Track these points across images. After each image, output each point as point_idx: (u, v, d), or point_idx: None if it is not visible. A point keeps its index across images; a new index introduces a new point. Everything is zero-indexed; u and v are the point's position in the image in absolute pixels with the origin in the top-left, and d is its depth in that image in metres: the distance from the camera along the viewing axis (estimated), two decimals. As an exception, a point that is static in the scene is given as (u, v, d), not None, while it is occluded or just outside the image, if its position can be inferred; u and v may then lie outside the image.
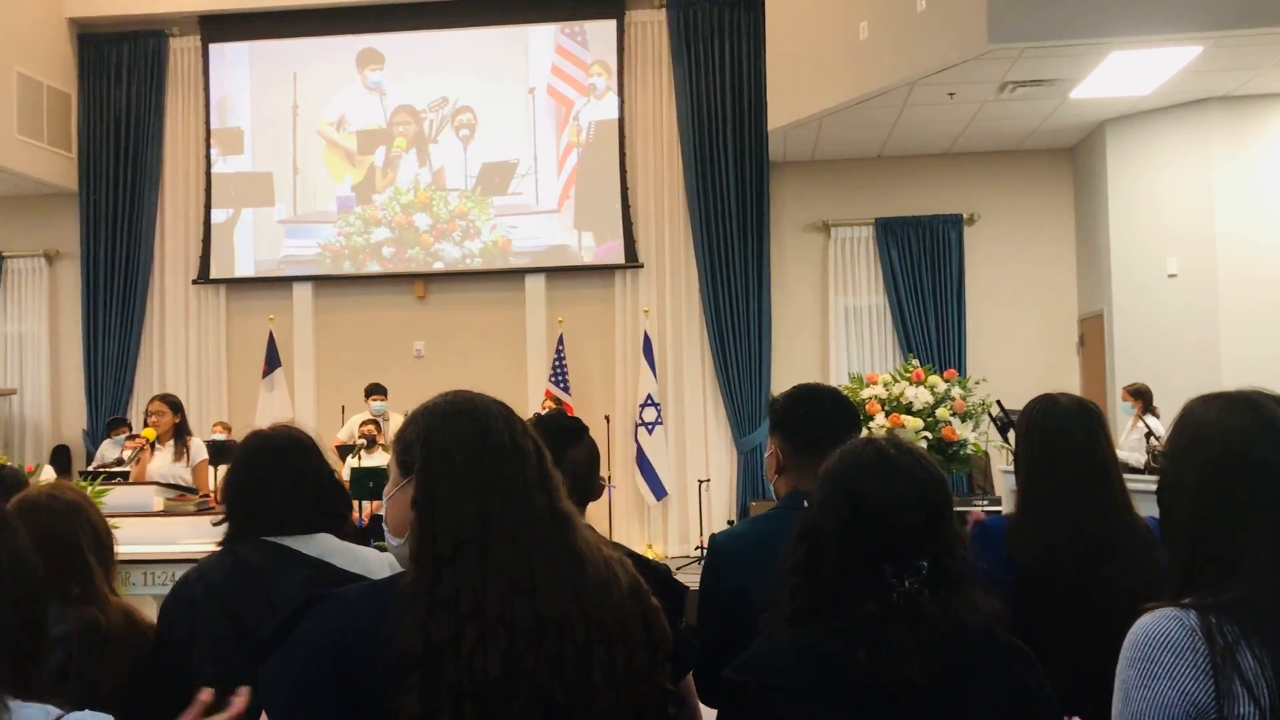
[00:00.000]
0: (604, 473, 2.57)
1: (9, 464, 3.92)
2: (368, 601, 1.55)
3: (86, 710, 1.41)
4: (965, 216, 10.82)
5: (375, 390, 9.57)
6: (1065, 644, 2.12)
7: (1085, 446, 2.34)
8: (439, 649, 1.44)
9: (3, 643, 1.40)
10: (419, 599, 1.47)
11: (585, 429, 2.49)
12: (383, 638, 1.45)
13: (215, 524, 2.39)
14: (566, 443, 2.41)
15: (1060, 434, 2.36)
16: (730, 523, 10.64)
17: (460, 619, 1.45)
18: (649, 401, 10.69)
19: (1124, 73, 8.37)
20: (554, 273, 11.12)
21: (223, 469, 6.88)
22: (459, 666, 1.43)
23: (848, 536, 1.60)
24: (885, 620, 1.55)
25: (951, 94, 8.87)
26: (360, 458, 8.77)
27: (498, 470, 1.54)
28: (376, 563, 2.34)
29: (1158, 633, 1.49)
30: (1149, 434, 7.85)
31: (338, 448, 9.07)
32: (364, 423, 9.21)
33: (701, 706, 2.33)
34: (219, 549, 2.32)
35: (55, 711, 1.39)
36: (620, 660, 1.50)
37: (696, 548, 10.46)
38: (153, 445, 6.31)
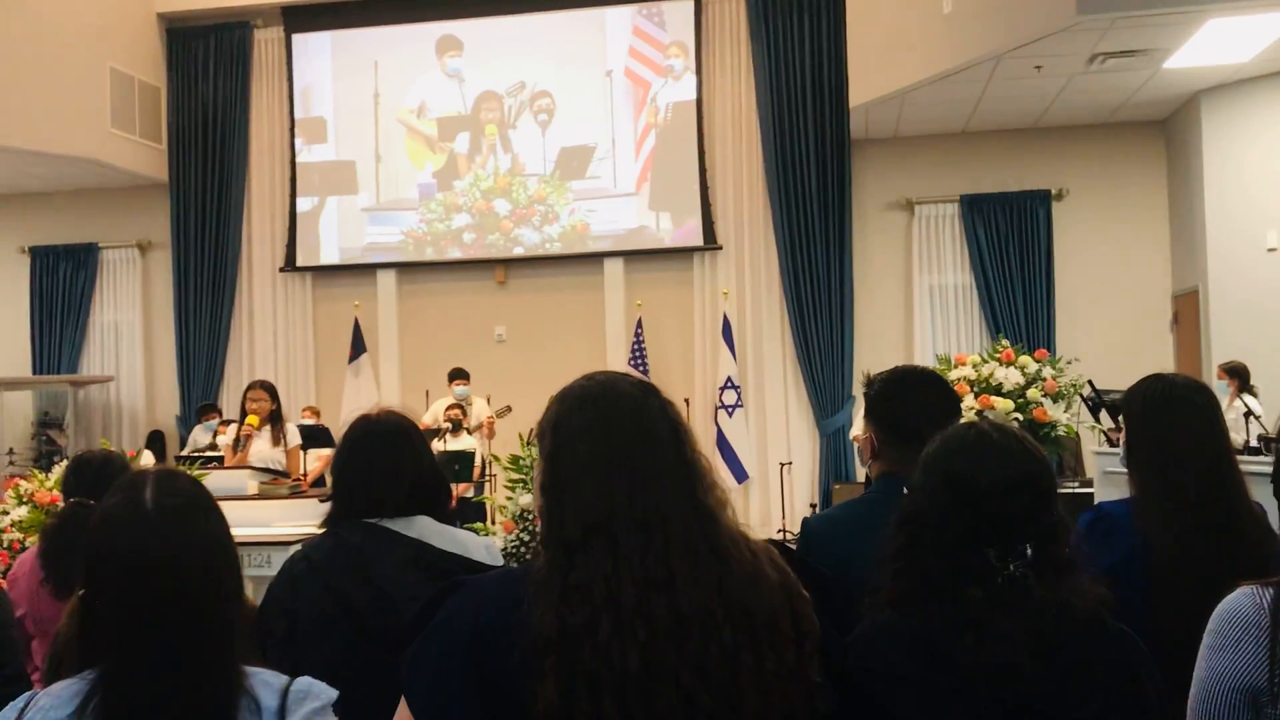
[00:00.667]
0: None
1: (111, 449, 4.04)
2: (503, 587, 1.56)
3: (307, 676, 1.52)
4: (1053, 192, 10.57)
5: (458, 375, 9.67)
6: (1200, 627, 2.08)
7: (1208, 426, 2.29)
8: (574, 636, 1.42)
9: (235, 613, 1.49)
10: (552, 583, 1.46)
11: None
12: (517, 622, 1.45)
13: (322, 501, 2.45)
14: None
15: (1185, 415, 2.30)
16: (813, 506, 10.57)
17: (595, 607, 1.43)
18: (729, 384, 10.65)
19: (1221, 41, 8.08)
20: (632, 256, 11.11)
21: (313, 453, 7.03)
22: (595, 655, 1.41)
23: (950, 521, 1.58)
24: (990, 605, 1.52)
25: (1039, 67, 8.65)
26: (445, 441, 8.87)
27: (624, 458, 1.51)
28: (474, 545, 2.37)
29: (1232, 608, 1.57)
30: (1247, 413, 7.61)
31: (424, 431, 9.16)
32: (449, 407, 9.31)
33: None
34: (321, 531, 2.37)
35: (284, 677, 1.50)
36: (769, 663, 1.45)
37: (779, 531, 10.40)
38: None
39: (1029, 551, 1.55)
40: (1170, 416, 2.31)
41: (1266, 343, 8.88)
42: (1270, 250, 9.16)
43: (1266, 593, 1.53)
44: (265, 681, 1.47)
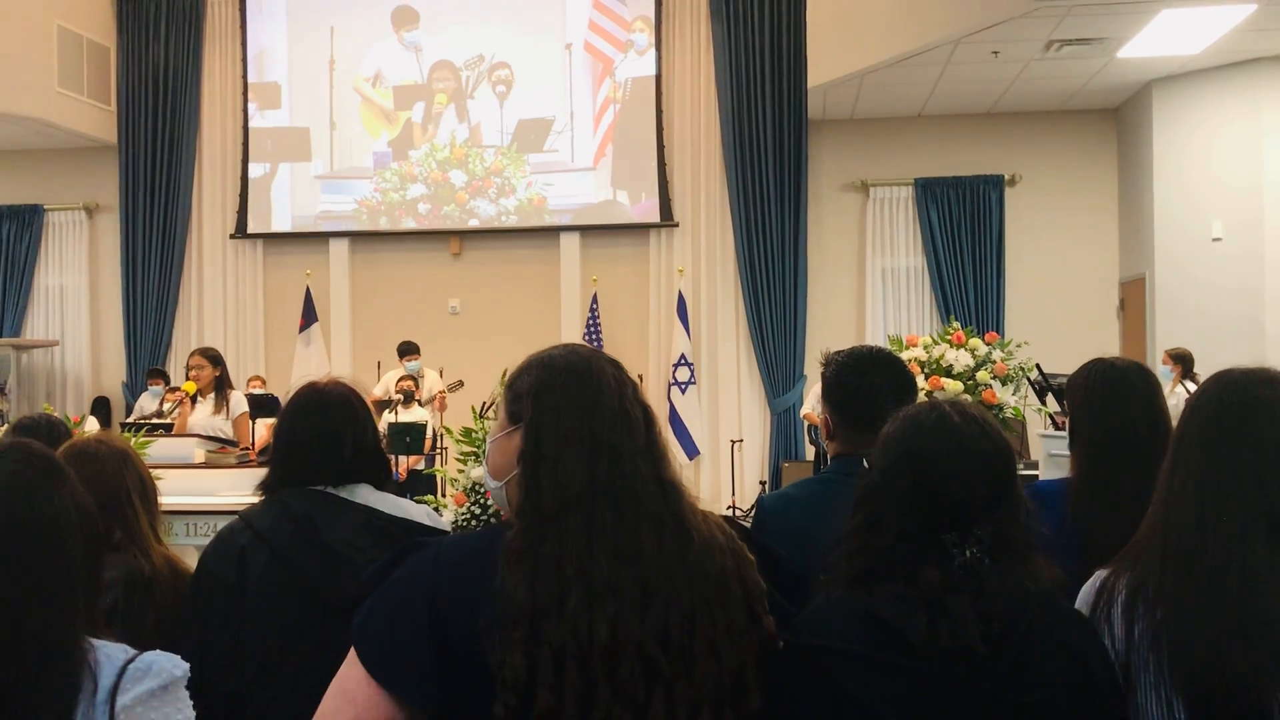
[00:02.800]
0: None
1: (54, 414, 3.97)
2: (466, 553, 1.56)
3: (157, 650, 1.47)
4: (1006, 177, 10.68)
5: (408, 350, 9.59)
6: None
7: (1148, 409, 2.32)
8: (543, 608, 1.44)
9: (78, 586, 1.45)
10: (525, 555, 1.47)
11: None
12: (484, 586, 1.46)
13: (261, 465, 2.42)
14: None
15: (1125, 397, 2.33)
16: (763, 484, 10.66)
17: (565, 580, 1.45)
18: (682, 361, 10.68)
19: (1173, 31, 8.20)
20: (589, 231, 11.08)
21: (261, 422, 6.96)
22: (562, 627, 1.43)
23: (910, 504, 1.58)
24: (946, 588, 1.53)
25: (996, 52, 8.73)
26: (397, 413, 8.82)
27: (607, 434, 1.54)
28: (416, 511, 2.38)
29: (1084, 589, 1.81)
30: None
31: (374, 403, 9.12)
32: (401, 378, 9.25)
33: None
34: (262, 499, 2.33)
35: (131, 651, 1.45)
36: (721, 624, 1.50)
37: (729, 507, 10.47)
38: (194, 399, 6.37)
39: (987, 536, 1.56)
40: (1109, 397, 2.34)
41: (1209, 330, 9.06)
42: (1215, 240, 9.32)
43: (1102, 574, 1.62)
44: (108, 655, 1.44)
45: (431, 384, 9.54)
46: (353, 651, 1.51)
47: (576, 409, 1.54)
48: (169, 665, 1.45)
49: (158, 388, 9.03)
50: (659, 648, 1.45)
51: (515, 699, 1.42)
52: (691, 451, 10.70)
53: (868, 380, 2.34)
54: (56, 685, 1.37)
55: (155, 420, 6.39)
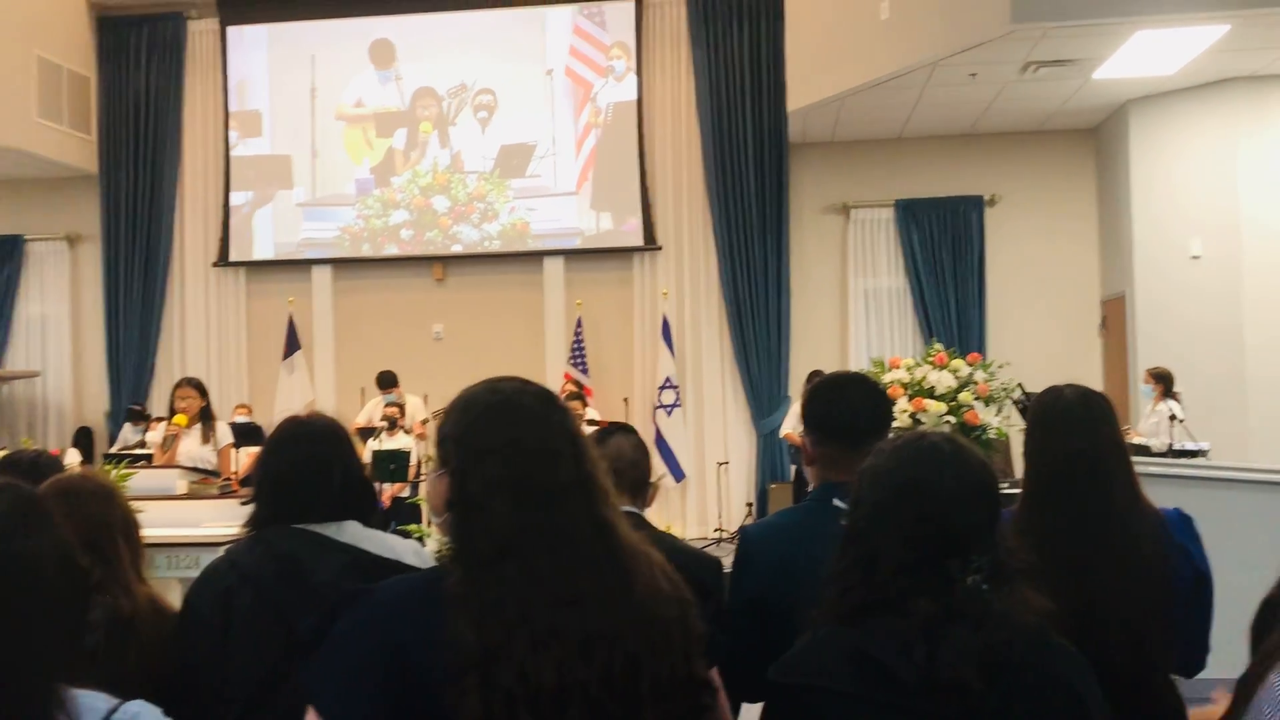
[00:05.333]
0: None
1: (37, 449, 3.95)
2: (414, 600, 1.54)
3: (139, 700, 1.44)
4: (986, 198, 10.75)
5: (389, 382, 9.51)
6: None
7: (1085, 443, 2.30)
8: (492, 652, 1.43)
9: (56, 633, 1.41)
10: (470, 601, 1.47)
11: (634, 430, 2.55)
12: (438, 637, 1.45)
13: (243, 504, 2.40)
14: (616, 430, 2.44)
15: (1060, 430, 2.33)
16: (749, 505, 10.65)
17: (508, 625, 1.44)
18: (667, 384, 10.69)
19: (1148, 52, 8.27)
20: (572, 255, 11.10)
21: (245, 451, 6.93)
22: (511, 672, 1.43)
23: (910, 537, 1.57)
24: (946, 618, 1.51)
25: (973, 74, 8.80)
26: (381, 440, 8.80)
27: (531, 477, 1.52)
28: (403, 549, 2.34)
29: None
30: (1171, 417, 7.81)
31: (358, 430, 9.09)
32: (385, 405, 9.23)
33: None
34: (246, 535, 2.31)
35: (113, 701, 1.41)
36: (665, 670, 1.50)
37: (715, 530, 10.46)
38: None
39: (985, 562, 1.55)
40: (1051, 430, 2.35)
41: (1190, 348, 9.12)
42: (1194, 258, 9.39)
43: None
44: (90, 706, 1.39)
45: (415, 410, 9.51)
46: (311, 709, 1.51)
47: (499, 453, 1.53)
48: (151, 718, 1.42)
49: (139, 428, 8.99)
50: (605, 691, 1.45)
51: None
52: (678, 474, 10.69)
53: (844, 400, 2.34)
54: None
55: (136, 451, 6.35)
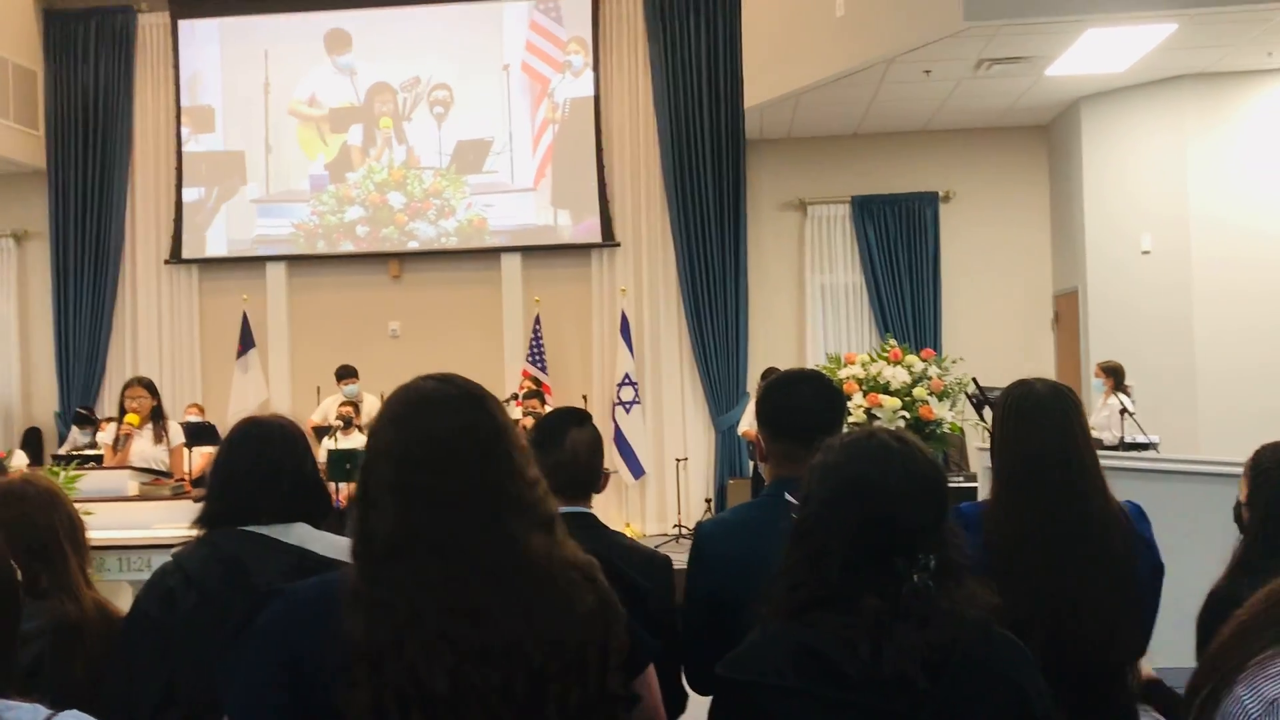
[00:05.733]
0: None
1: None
2: (319, 597, 1.54)
3: (73, 710, 1.38)
4: (941, 194, 10.84)
5: (347, 374, 9.49)
6: (1030, 634, 2.15)
7: (1059, 435, 2.34)
8: (381, 650, 1.43)
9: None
10: (360, 596, 1.46)
11: (590, 417, 2.50)
12: (333, 632, 1.45)
13: (196, 501, 2.38)
14: (573, 424, 2.42)
15: (1034, 422, 2.35)
16: (708, 501, 10.68)
17: (398, 626, 1.43)
18: (626, 381, 10.68)
19: (1099, 50, 8.38)
20: (530, 252, 11.07)
21: (198, 451, 6.84)
22: (402, 672, 1.42)
23: (857, 534, 1.57)
24: (892, 615, 1.52)
25: (928, 71, 8.87)
26: (337, 439, 8.72)
27: (422, 481, 1.50)
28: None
29: None
30: (1122, 410, 7.91)
31: (314, 429, 9.01)
32: (341, 404, 9.16)
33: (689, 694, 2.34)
34: (195, 538, 2.29)
35: (44, 711, 1.35)
36: (575, 694, 1.47)
37: (674, 526, 10.48)
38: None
39: (931, 560, 1.55)
40: (1023, 423, 2.36)
41: (1141, 342, 9.25)
42: (1145, 253, 9.53)
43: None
44: (18, 718, 1.34)
45: (371, 409, 9.43)
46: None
47: (391, 455, 1.52)
48: None
49: (86, 432, 8.85)
50: (504, 704, 1.43)
51: None
52: (638, 471, 10.69)
53: (797, 397, 2.35)
54: None
55: (87, 452, 6.25)
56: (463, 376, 1.62)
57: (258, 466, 2.26)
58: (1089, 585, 2.24)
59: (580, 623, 1.49)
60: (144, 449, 6.17)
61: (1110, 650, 2.25)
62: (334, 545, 2.27)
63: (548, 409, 9.23)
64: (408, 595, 1.45)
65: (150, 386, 6.40)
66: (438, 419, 1.54)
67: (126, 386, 6.44)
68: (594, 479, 2.47)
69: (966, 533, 2.23)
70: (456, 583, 1.45)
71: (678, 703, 2.27)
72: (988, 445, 6.33)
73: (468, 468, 1.51)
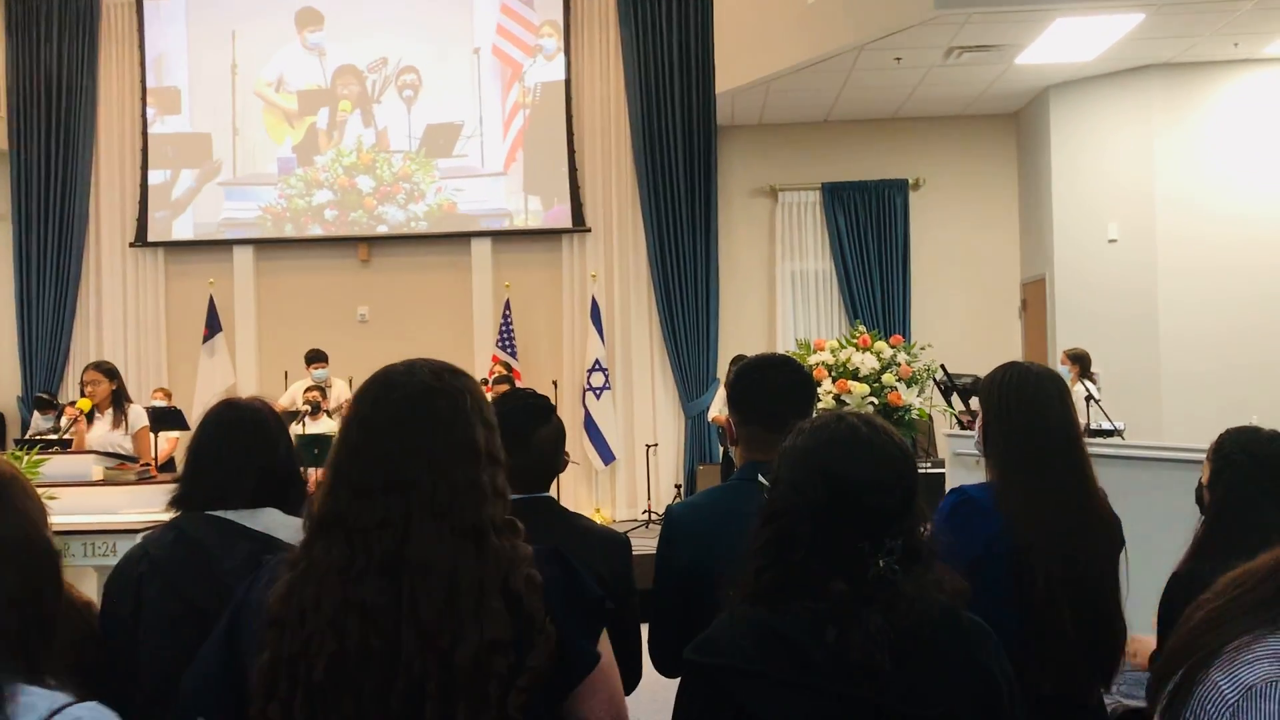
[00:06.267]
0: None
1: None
2: (278, 564, 1.59)
3: (93, 702, 1.33)
4: (911, 181, 10.88)
5: (316, 358, 9.41)
6: (1059, 608, 2.22)
7: (1061, 413, 2.39)
8: (286, 620, 1.47)
9: (19, 623, 1.32)
10: (288, 565, 1.53)
11: (553, 408, 2.48)
12: (261, 597, 1.53)
13: (162, 484, 2.38)
14: (538, 422, 2.41)
15: (1038, 403, 2.39)
16: (678, 487, 10.69)
17: (304, 602, 1.47)
18: (597, 366, 10.67)
19: (1068, 39, 8.44)
20: (500, 236, 11.02)
21: (164, 436, 6.76)
22: (298, 644, 1.45)
23: (824, 518, 1.56)
24: (858, 600, 1.52)
25: (898, 59, 8.89)
26: (305, 425, 8.66)
27: (355, 467, 1.51)
28: None
29: None
30: (1088, 397, 7.99)
31: (281, 414, 8.93)
32: (308, 389, 9.09)
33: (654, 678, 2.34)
34: (164, 523, 2.29)
35: (60, 700, 1.30)
36: (462, 715, 1.43)
37: (644, 512, 10.50)
38: (90, 415, 6.17)
39: (898, 545, 1.55)
40: (1028, 405, 2.40)
41: (1107, 329, 9.34)
42: (1111, 241, 9.61)
43: None
44: (30, 705, 1.29)
45: (339, 394, 9.37)
46: None
47: (342, 436, 1.56)
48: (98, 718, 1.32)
49: (49, 417, 8.74)
50: (378, 706, 1.42)
51: (262, 702, 1.45)
52: (607, 457, 10.69)
53: (765, 379, 2.37)
54: None
55: (50, 437, 6.17)
56: (436, 364, 1.60)
57: (228, 451, 2.26)
58: (1099, 558, 2.32)
59: (484, 649, 1.44)
60: (103, 434, 6.09)
61: (1117, 621, 2.34)
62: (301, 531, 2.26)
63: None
64: (319, 574, 1.47)
65: (109, 371, 6.31)
66: (380, 408, 1.53)
67: (84, 371, 6.36)
68: (556, 471, 2.47)
69: (984, 515, 2.27)
70: (356, 575, 1.45)
71: (631, 682, 2.27)
72: (955, 431, 6.38)
73: (395, 463, 1.49)
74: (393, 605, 1.44)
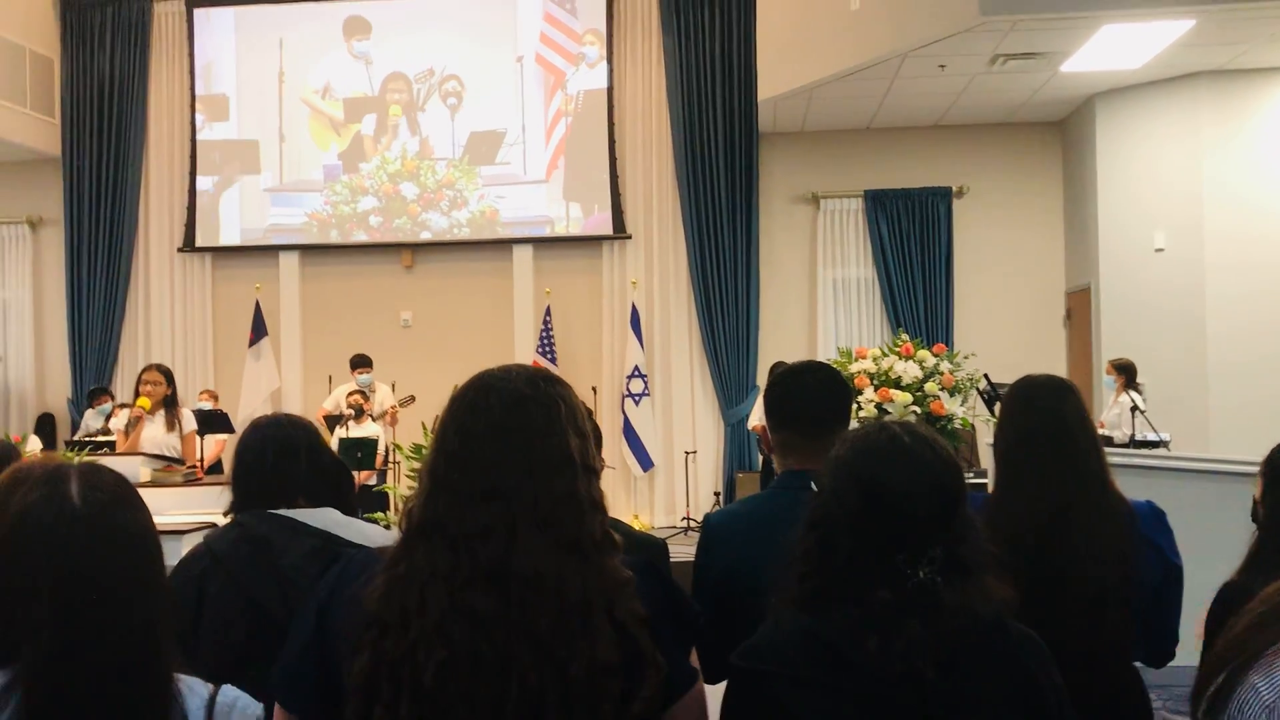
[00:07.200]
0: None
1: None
2: (361, 566, 1.58)
3: (227, 684, 1.43)
4: (954, 189, 10.81)
5: (361, 362, 9.52)
6: (1028, 619, 2.17)
7: (1052, 422, 2.38)
8: (389, 622, 1.44)
9: (162, 614, 1.37)
10: (388, 566, 1.50)
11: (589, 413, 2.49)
12: (356, 594, 1.49)
13: (222, 487, 2.45)
14: None
15: (1026, 412, 2.41)
16: (717, 495, 10.68)
17: (407, 605, 1.44)
18: (636, 373, 10.69)
19: (1115, 46, 8.34)
20: (541, 243, 11.08)
21: (210, 439, 6.86)
22: (403, 648, 1.43)
23: (860, 526, 1.57)
24: (899, 609, 1.51)
25: (942, 66, 8.84)
26: (348, 428, 8.75)
27: (455, 471, 1.49)
28: (378, 536, 2.37)
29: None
30: (1134, 408, 7.89)
31: (324, 418, 9.04)
32: (351, 393, 9.18)
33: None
34: (226, 521, 2.37)
35: (209, 686, 1.41)
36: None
37: (683, 519, 10.49)
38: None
39: (940, 555, 1.55)
40: (1019, 405, 2.43)
41: (1153, 339, 9.22)
42: (1158, 251, 9.49)
43: None
44: (191, 688, 1.38)
45: (383, 398, 9.46)
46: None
47: (439, 440, 1.54)
48: (248, 704, 1.42)
49: (104, 405, 8.87)
50: (494, 715, 1.40)
51: (362, 706, 1.43)
52: (646, 464, 10.70)
53: (800, 387, 2.36)
54: (154, 716, 1.32)
55: (99, 438, 6.29)
56: (532, 370, 1.59)
57: (271, 449, 2.33)
58: (1078, 562, 2.27)
59: (597, 669, 1.42)
60: (156, 435, 6.19)
61: (1096, 635, 2.26)
62: (362, 532, 2.32)
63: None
64: (421, 579, 1.45)
65: (166, 373, 6.45)
66: (478, 415, 1.51)
67: (144, 371, 6.48)
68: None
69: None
70: (462, 581, 1.43)
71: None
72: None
73: (494, 470, 1.47)
74: (501, 614, 1.42)
